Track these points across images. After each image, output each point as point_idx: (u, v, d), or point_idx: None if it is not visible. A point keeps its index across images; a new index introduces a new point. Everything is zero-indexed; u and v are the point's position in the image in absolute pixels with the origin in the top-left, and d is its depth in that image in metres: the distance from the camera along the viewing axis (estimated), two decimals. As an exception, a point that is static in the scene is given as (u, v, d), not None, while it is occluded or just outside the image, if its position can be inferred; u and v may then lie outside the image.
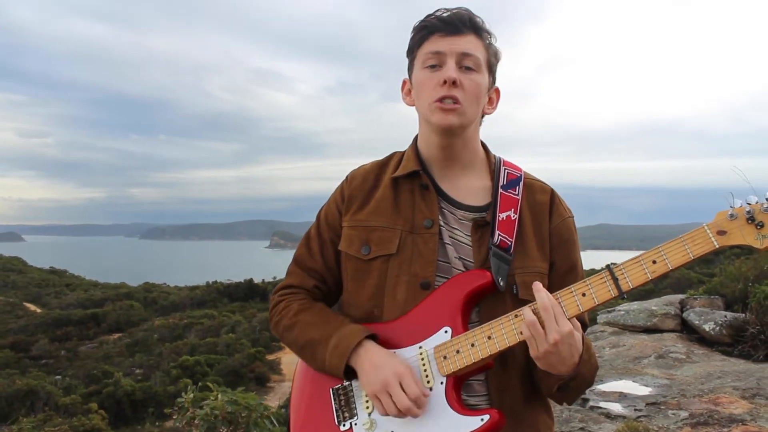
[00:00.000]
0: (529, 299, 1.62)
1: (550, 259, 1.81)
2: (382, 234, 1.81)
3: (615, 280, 1.57)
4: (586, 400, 5.13)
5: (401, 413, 1.63)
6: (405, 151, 1.94)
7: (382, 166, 1.96)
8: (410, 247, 1.78)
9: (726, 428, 4.40)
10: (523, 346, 1.65)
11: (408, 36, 1.87)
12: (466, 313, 1.71)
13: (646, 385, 5.56)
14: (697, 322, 7.42)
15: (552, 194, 1.89)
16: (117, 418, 31.94)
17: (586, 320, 1.81)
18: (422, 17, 1.83)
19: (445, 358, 1.67)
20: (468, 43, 1.76)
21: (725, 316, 7.24)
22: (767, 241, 1.48)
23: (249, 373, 38.10)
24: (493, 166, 1.90)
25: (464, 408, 1.64)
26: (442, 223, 1.80)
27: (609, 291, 1.58)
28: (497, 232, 1.75)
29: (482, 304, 1.73)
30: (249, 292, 66.67)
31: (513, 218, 1.78)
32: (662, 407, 4.94)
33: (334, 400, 1.78)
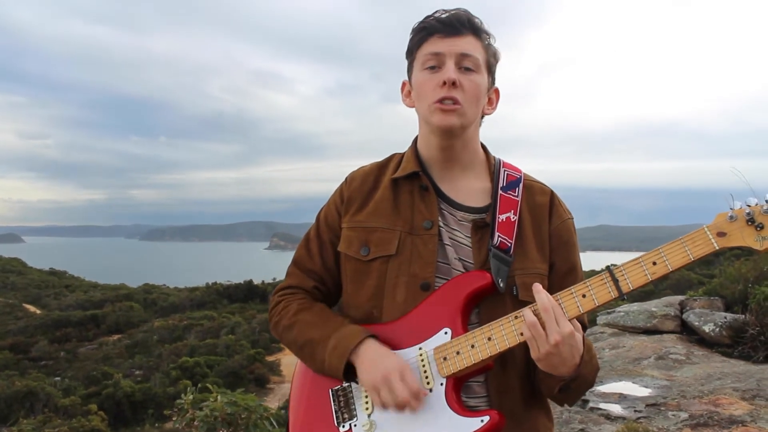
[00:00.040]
0: (529, 300, 1.62)
1: (549, 260, 1.81)
2: (381, 235, 1.81)
3: (615, 281, 1.57)
4: (586, 402, 5.13)
5: (400, 406, 1.63)
6: (404, 153, 1.94)
7: (381, 167, 1.96)
8: (410, 248, 1.78)
9: (726, 429, 4.40)
10: (522, 347, 1.65)
11: (407, 37, 1.87)
12: (466, 315, 1.71)
13: (646, 387, 5.56)
14: (696, 323, 7.42)
15: (552, 196, 1.89)
16: (116, 419, 31.93)
17: (585, 322, 1.81)
18: (421, 18, 1.84)
19: (445, 359, 1.67)
20: (467, 43, 1.76)
21: (725, 318, 7.25)
22: (767, 243, 1.48)
23: (249, 375, 38.10)
24: (493, 167, 1.90)
25: (464, 409, 1.64)
26: (441, 224, 1.80)
27: (609, 292, 1.58)
28: (497, 234, 1.75)
29: (482, 306, 1.73)
30: (249, 294, 66.66)
31: (513, 220, 1.78)
32: (662, 408, 4.94)
33: (334, 401, 1.78)
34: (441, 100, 1.74)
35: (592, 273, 1.72)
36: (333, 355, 1.73)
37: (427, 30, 1.79)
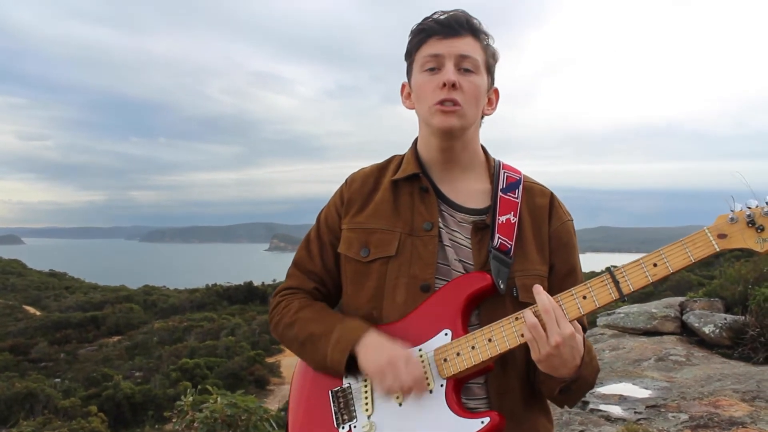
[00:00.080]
0: (529, 302, 1.62)
1: (549, 262, 1.81)
2: (381, 236, 1.81)
3: (616, 282, 1.57)
4: (586, 403, 5.13)
5: (405, 391, 1.64)
6: (404, 154, 1.95)
7: (381, 169, 1.96)
8: (409, 250, 1.78)
9: (726, 431, 4.39)
10: (523, 349, 1.65)
11: (407, 38, 1.87)
12: (466, 316, 1.70)
13: (646, 388, 5.56)
14: (696, 324, 7.42)
15: (551, 197, 1.89)
16: (116, 421, 31.95)
17: (585, 323, 1.81)
18: (419, 20, 1.84)
19: (445, 360, 1.66)
20: (466, 45, 1.76)
21: (725, 319, 7.25)
22: (767, 245, 1.48)
23: (248, 376, 38.14)
24: (493, 169, 1.90)
25: (464, 410, 1.64)
26: (441, 225, 1.80)
27: (610, 294, 1.58)
28: (497, 235, 1.75)
29: (482, 307, 1.73)
30: (248, 295, 66.71)
31: (513, 221, 1.78)
32: (662, 410, 4.94)
33: (333, 402, 1.78)
34: (441, 102, 1.74)
35: (592, 274, 1.72)
36: (336, 349, 1.73)
37: (425, 32, 1.79)
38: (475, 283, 1.69)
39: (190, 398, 5.09)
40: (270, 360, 42.54)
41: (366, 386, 1.74)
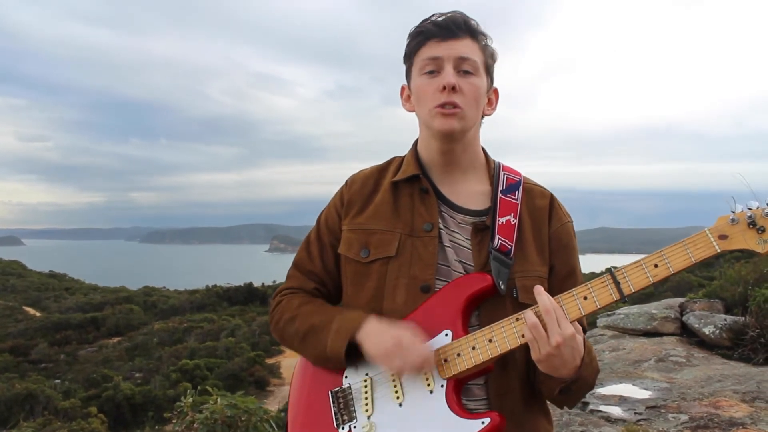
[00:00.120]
0: (529, 303, 1.63)
1: (549, 263, 1.81)
2: (381, 237, 1.81)
3: (617, 283, 1.58)
4: (586, 404, 5.13)
5: (417, 368, 1.64)
6: (405, 156, 1.95)
7: (381, 170, 1.96)
8: (410, 250, 1.78)
9: (726, 432, 4.40)
10: (522, 350, 1.65)
11: (406, 40, 1.87)
12: (467, 317, 1.70)
13: (646, 389, 5.56)
14: (697, 325, 7.42)
15: (551, 199, 1.89)
16: (116, 422, 31.95)
17: (585, 324, 1.81)
18: (417, 23, 1.84)
19: (445, 361, 1.66)
20: (465, 46, 1.76)
21: (725, 320, 7.25)
22: (768, 246, 1.49)
23: (248, 377, 38.14)
24: (493, 171, 1.90)
25: (465, 411, 1.64)
26: (441, 226, 1.80)
27: (611, 294, 1.58)
28: (497, 236, 1.75)
29: (482, 308, 1.73)
30: (248, 296, 66.72)
31: (513, 222, 1.78)
32: (662, 411, 4.94)
33: (333, 402, 1.78)
34: (442, 105, 1.74)
35: (592, 275, 1.72)
36: (336, 337, 1.73)
37: (423, 34, 1.79)
38: (475, 283, 1.69)
39: (190, 399, 5.09)
40: (270, 361, 42.53)
41: (366, 386, 1.74)
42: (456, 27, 1.76)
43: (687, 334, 7.64)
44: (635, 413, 4.93)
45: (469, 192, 1.86)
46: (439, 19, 1.79)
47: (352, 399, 1.76)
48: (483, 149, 1.93)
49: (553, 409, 1.89)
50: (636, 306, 8.66)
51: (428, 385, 1.67)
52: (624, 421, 4.78)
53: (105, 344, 51.78)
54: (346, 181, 1.98)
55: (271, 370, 41.16)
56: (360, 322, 1.72)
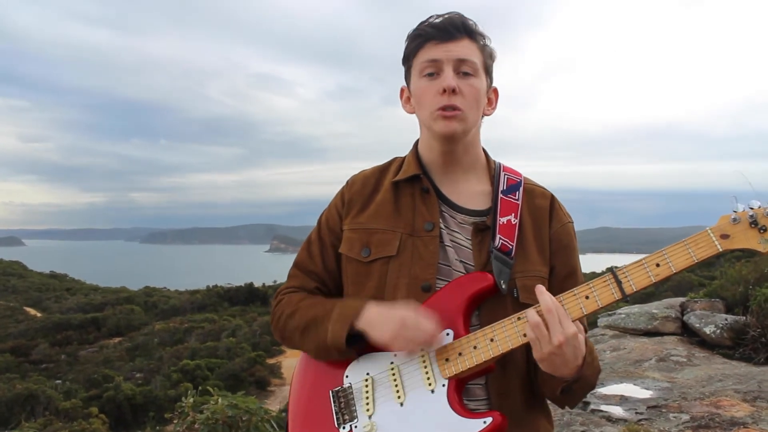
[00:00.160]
0: (529, 303, 1.63)
1: (550, 263, 1.81)
2: (382, 236, 1.82)
3: (618, 282, 1.57)
4: (587, 404, 5.12)
5: (427, 345, 1.65)
6: (406, 156, 1.95)
7: (382, 170, 1.96)
8: (410, 250, 1.78)
9: (727, 431, 4.39)
10: (523, 350, 1.65)
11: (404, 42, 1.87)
12: (468, 316, 1.70)
13: (647, 389, 5.56)
14: (697, 325, 7.42)
15: (552, 199, 1.89)
16: (117, 422, 31.96)
17: (585, 325, 1.81)
18: (415, 25, 1.83)
19: (447, 360, 1.66)
20: (463, 48, 1.76)
21: (726, 319, 7.24)
22: (770, 246, 1.49)
23: (249, 377, 38.15)
24: (493, 171, 1.90)
25: (466, 411, 1.64)
26: (442, 226, 1.80)
27: (612, 294, 1.58)
28: (498, 236, 1.75)
29: (483, 308, 1.73)
30: (249, 296, 66.75)
31: (513, 223, 1.78)
32: (663, 410, 4.93)
33: (334, 402, 1.77)
34: (443, 108, 1.74)
35: (593, 275, 1.72)
36: (336, 324, 1.73)
37: (422, 37, 1.79)
38: (477, 283, 1.69)
39: (191, 399, 5.08)
40: (271, 361, 42.54)
41: (367, 386, 1.74)
42: (454, 28, 1.76)
43: (688, 333, 7.64)
44: (636, 413, 4.93)
45: (470, 192, 1.86)
46: (437, 20, 1.78)
47: (353, 398, 1.75)
48: (484, 150, 1.94)
49: (553, 408, 1.89)
50: (637, 306, 8.66)
51: (429, 384, 1.67)
52: (625, 420, 4.78)
53: (106, 345, 51.80)
54: (347, 182, 1.98)
55: (271, 370, 41.17)
56: (360, 308, 1.72)
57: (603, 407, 5.07)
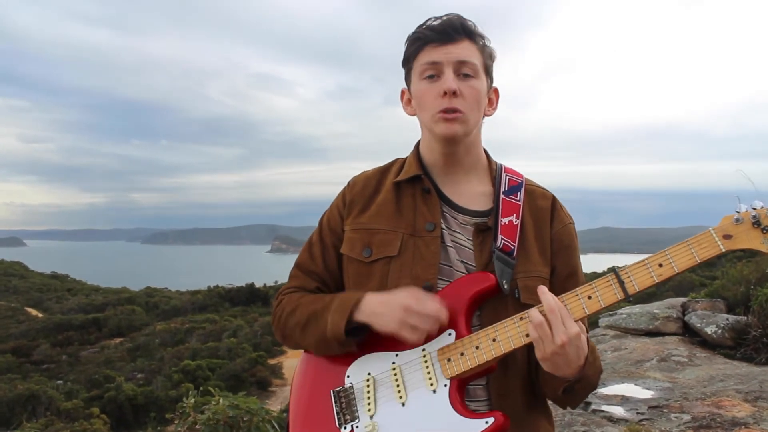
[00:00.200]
0: (531, 303, 1.63)
1: (551, 264, 1.81)
2: (383, 237, 1.82)
3: (621, 283, 1.57)
4: (588, 404, 5.12)
5: (435, 321, 1.64)
6: (407, 157, 1.96)
7: (383, 171, 1.97)
8: (412, 250, 1.78)
9: (729, 431, 4.39)
10: (524, 351, 1.65)
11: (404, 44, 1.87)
12: (470, 316, 1.70)
13: (649, 389, 5.55)
14: (699, 325, 7.41)
15: (553, 200, 1.90)
16: (119, 422, 31.96)
17: (586, 325, 1.81)
18: (414, 28, 1.84)
19: (449, 360, 1.66)
20: (463, 49, 1.76)
21: (727, 319, 7.24)
22: (773, 246, 1.49)
23: (250, 378, 38.15)
24: (495, 172, 1.91)
25: (468, 411, 1.64)
26: (443, 226, 1.80)
27: (615, 294, 1.58)
28: (500, 236, 1.75)
29: (484, 308, 1.73)
30: (250, 297, 66.74)
31: (515, 223, 1.79)
32: (665, 410, 4.93)
33: (335, 402, 1.77)
34: (444, 111, 1.74)
35: (594, 275, 1.72)
36: (335, 314, 1.73)
37: (421, 40, 1.79)
38: (479, 283, 1.69)
39: (192, 400, 5.08)
40: (272, 362, 42.53)
41: (368, 386, 1.74)
42: (453, 30, 1.76)
43: (689, 333, 7.63)
44: (637, 413, 4.93)
45: (471, 193, 1.86)
46: (436, 23, 1.78)
47: (355, 398, 1.75)
48: (485, 151, 1.94)
49: (555, 408, 1.89)
50: (638, 306, 8.65)
51: (431, 384, 1.67)
52: (626, 421, 4.78)
53: (107, 345, 51.81)
54: (348, 183, 1.98)
55: (273, 370, 41.17)
56: (359, 298, 1.72)
57: (604, 407, 5.07)
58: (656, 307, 8.24)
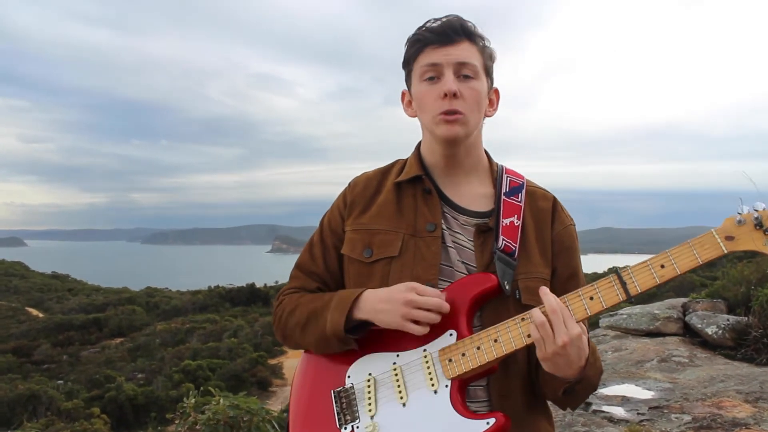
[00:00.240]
0: (532, 304, 1.63)
1: (551, 265, 1.81)
2: (384, 237, 1.82)
3: (623, 283, 1.57)
4: (588, 404, 5.12)
5: (438, 311, 1.63)
6: (408, 158, 1.96)
7: (384, 172, 1.97)
8: (412, 250, 1.78)
9: (729, 432, 4.39)
10: (524, 352, 1.65)
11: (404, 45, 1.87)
12: (471, 317, 1.70)
13: (649, 389, 5.55)
14: (699, 325, 7.41)
15: (554, 202, 1.90)
16: (119, 422, 31.96)
17: (586, 326, 1.81)
18: (413, 29, 1.84)
19: (450, 361, 1.66)
20: (463, 51, 1.76)
21: (728, 320, 7.23)
22: (775, 247, 1.49)
23: (251, 378, 38.15)
24: (496, 173, 1.91)
25: (469, 411, 1.64)
26: (444, 227, 1.80)
27: (617, 295, 1.58)
28: (501, 237, 1.75)
29: (485, 309, 1.73)
30: (251, 297, 66.71)
31: (516, 224, 1.79)
32: (665, 411, 4.93)
33: (336, 402, 1.77)
34: (444, 113, 1.74)
35: (595, 276, 1.72)
36: (335, 312, 1.73)
37: (421, 41, 1.79)
38: (481, 283, 1.69)
39: (193, 400, 5.08)
40: (272, 362, 42.52)
41: (369, 386, 1.74)
42: (453, 32, 1.76)
43: (690, 334, 7.63)
44: (638, 413, 4.93)
45: (472, 194, 1.87)
46: (435, 24, 1.79)
47: (355, 399, 1.75)
48: (486, 152, 1.94)
49: (555, 409, 1.88)
50: (639, 306, 8.64)
51: (432, 385, 1.66)
52: (627, 421, 4.77)
53: (107, 345, 51.81)
54: (349, 183, 1.98)
55: (273, 370, 41.16)
56: (358, 294, 1.73)
57: (605, 408, 5.06)
58: (657, 308, 8.23)
